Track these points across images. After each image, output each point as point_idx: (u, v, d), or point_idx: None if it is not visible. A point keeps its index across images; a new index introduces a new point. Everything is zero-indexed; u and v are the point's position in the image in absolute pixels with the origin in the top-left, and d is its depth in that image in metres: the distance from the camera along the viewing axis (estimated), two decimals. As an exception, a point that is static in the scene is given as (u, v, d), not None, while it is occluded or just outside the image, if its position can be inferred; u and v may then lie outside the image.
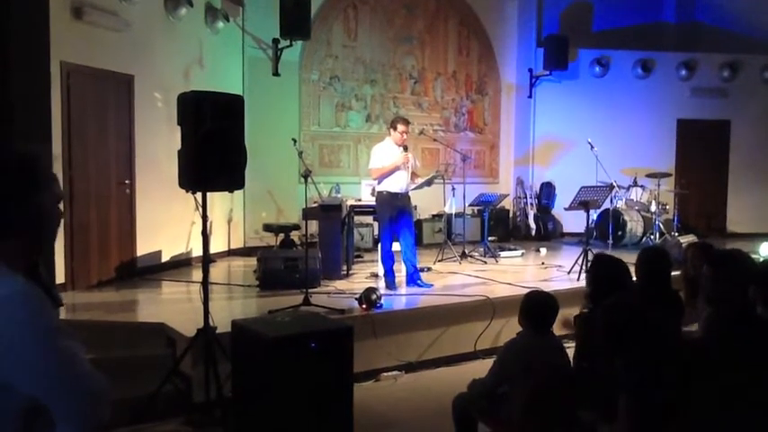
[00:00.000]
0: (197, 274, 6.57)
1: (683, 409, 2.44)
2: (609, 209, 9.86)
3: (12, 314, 1.38)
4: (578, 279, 7.14)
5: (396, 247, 6.84)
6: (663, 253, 4.11)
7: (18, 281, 1.45)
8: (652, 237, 9.77)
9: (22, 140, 4.79)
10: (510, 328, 5.23)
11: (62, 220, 1.73)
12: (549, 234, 11.32)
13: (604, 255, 4.21)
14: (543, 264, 8.66)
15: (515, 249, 9.45)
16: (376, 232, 9.21)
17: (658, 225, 9.75)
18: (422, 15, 10.89)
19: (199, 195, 4.52)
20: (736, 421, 2.48)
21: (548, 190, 11.71)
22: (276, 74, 9.09)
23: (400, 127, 6.68)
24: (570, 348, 3.66)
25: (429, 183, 7.46)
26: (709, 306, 3.13)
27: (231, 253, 9.06)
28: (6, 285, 1.41)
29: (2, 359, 1.36)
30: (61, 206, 1.68)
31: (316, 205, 7.26)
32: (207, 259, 4.69)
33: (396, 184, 6.66)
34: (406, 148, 6.69)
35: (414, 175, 6.86)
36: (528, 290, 4.37)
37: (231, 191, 4.92)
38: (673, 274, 4.03)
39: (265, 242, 8.83)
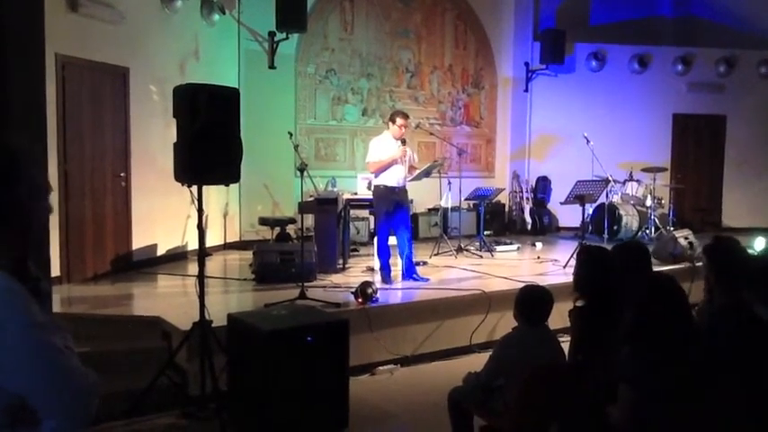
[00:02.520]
0: (193, 268, 6.57)
1: (680, 398, 2.45)
2: (604, 203, 9.88)
3: None
4: (573, 273, 7.13)
5: (392, 240, 6.85)
6: (644, 248, 4.01)
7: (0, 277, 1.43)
8: (647, 231, 9.80)
9: (16, 132, 4.77)
10: (505, 322, 5.25)
11: (49, 215, 1.69)
12: (544, 228, 11.34)
13: (591, 246, 4.21)
14: (539, 258, 8.67)
15: (511, 243, 9.46)
16: (372, 226, 9.22)
17: (654, 219, 9.77)
18: (418, 9, 10.88)
19: (194, 188, 4.50)
20: (728, 412, 2.49)
21: (543, 184, 11.72)
22: (272, 67, 9.05)
23: (399, 120, 6.67)
24: (565, 342, 3.67)
25: (428, 173, 7.45)
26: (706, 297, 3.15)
27: (227, 246, 9.06)
28: None
29: None
30: (50, 200, 1.64)
31: (312, 199, 7.26)
32: (203, 253, 4.67)
33: (393, 177, 6.66)
34: (404, 142, 6.69)
35: (411, 168, 6.87)
36: (523, 284, 4.38)
37: (227, 184, 4.91)
38: (671, 268, 4.02)
39: (261, 236, 8.82)
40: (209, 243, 7.26)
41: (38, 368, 1.41)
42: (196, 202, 4.53)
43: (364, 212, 9.25)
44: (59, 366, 1.44)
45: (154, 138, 7.38)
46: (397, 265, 6.96)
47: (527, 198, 11.54)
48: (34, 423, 1.42)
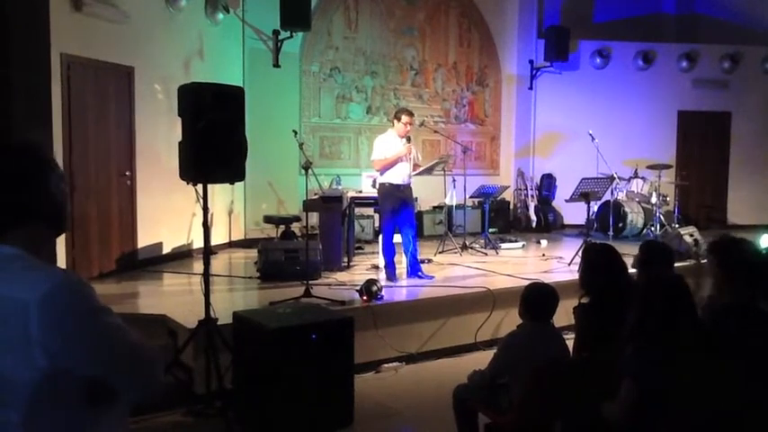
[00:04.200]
0: (198, 266, 6.57)
1: (684, 395, 2.45)
2: (609, 200, 9.86)
3: (62, 305, 1.40)
4: (579, 271, 7.13)
5: (397, 238, 6.85)
6: (666, 247, 4.09)
7: (58, 271, 1.48)
8: (653, 228, 9.77)
9: (22, 132, 4.79)
10: (510, 320, 5.25)
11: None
12: (549, 226, 11.32)
13: (596, 243, 4.21)
14: (544, 255, 8.65)
15: (516, 241, 9.46)
16: (377, 224, 9.22)
17: (659, 217, 9.74)
18: (422, 7, 10.87)
19: (199, 187, 4.52)
20: (727, 410, 2.49)
21: (548, 181, 11.71)
22: (276, 65, 9.07)
23: (404, 118, 6.67)
24: (570, 339, 3.67)
25: (430, 170, 7.46)
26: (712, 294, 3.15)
27: (232, 245, 9.07)
28: (48, 278, 1.42)
29: (61, 348, 1.39)
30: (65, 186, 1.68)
31: (316, 197, 7.26)
32: (208, 251, 4.69)
33: (398, 175, 6.66)
34: (408, 139, 6.69)
35: (416, 166, 6.88)
36: (528, 281, 4.38)
37: (232, 182, 4.91)
38: (676, 265, 4.03)
39: (266, 234, 8.83)
40: (214, 241, 7.29)
41: (109, 350, 1.48)
42: (201, 201, 4.54)
43: (369, 210, 9.25)
44: (127, 344, 1.52)
45: (159, 136, 7.40)
46: (401, 262, 6.96)
47: (532, 195, 11.53)
48: (112, 399, 1.50)
